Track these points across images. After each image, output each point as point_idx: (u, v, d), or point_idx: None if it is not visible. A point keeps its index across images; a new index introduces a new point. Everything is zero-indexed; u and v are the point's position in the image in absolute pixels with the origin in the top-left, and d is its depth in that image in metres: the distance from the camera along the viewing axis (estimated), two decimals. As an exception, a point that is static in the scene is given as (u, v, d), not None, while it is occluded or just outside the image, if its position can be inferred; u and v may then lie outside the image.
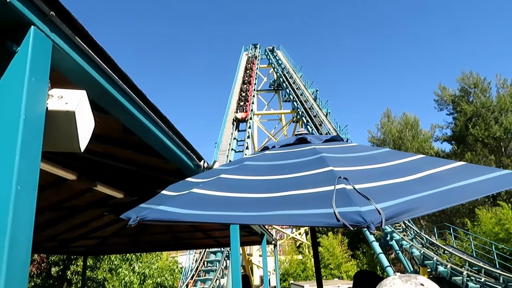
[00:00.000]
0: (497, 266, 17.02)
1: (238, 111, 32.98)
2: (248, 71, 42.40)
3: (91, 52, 1.53)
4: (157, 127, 2.38)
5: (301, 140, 2.44)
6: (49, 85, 1.32)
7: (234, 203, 1.59)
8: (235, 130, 30.36)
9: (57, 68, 1.42)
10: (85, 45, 1.49)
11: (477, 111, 35.52)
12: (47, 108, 1.32)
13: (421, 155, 1.97)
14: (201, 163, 3.25)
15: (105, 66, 1.65)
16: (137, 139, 2.61)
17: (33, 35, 1.26)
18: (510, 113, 33.43)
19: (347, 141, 2.60)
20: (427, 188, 1.47)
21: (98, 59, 1.59)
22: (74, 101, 1.35)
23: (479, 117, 35.27)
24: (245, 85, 38.63)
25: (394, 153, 2.12)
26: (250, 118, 32.61)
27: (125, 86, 1.83)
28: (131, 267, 19.67)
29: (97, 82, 1.63)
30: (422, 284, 1.07)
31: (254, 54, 47.87)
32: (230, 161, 22.00)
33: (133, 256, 19.78)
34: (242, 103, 34.63)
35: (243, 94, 36.54)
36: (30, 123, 1.21)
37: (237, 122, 31.85)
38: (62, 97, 1.35)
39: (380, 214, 1.21)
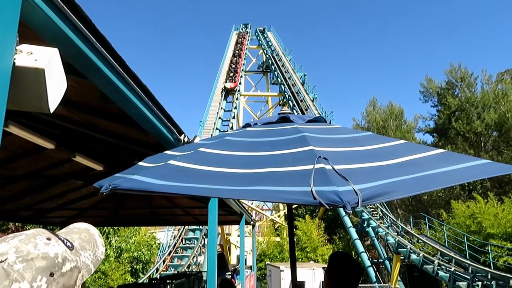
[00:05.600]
0: (467, 257, 17.58)
1: (227, 81, 33.07)
2: (238, 45, 42.46)
3: (66, 9, 1.44)
4: (136, 96, 2.30)
5: (284, 119, 2.40)
6: (17, 39, 1.23)
7: (211, 176, 1.55)
8: (221, 109, 30.20)
9: (27, 23, 1.33)
10: (59, 0, 1.40)
11: (461, 105, 36.02)
12: (14, 63, 1.23)
13: (403, 141, 1.96)
14: (181, 137, 3.18)
15: (82, 26, 1.55)
16: (116, 108, 2.53)
17: (1, -17, 1.16)
18: (492, 109, 33.99)
19: (330, 123, 2.58)
20: (406, 173, 1.45)
21: (74, 17, 1.49)
22: (44, 58, 1.27)
23: (463, 111, 35.79)
24: (235, 58, 38.72)
25: (376, 137, 2.10)
26: (238, 91, 32.72)
27: (103, 49, 1.74)
28: (108, 241, 19.65)
29: (71, 42, 1.53)
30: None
31: (246, 31, 47.67)
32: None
33: (111, 229, 19.74)
34: (231, 74, 34.68)
35: (233, 66, 36.69)
36: (-7, 77, 1.12)
37: (226, 92, 31.91)
38: (31, 53, 1.26)
39: (357, 194, 1.20)
